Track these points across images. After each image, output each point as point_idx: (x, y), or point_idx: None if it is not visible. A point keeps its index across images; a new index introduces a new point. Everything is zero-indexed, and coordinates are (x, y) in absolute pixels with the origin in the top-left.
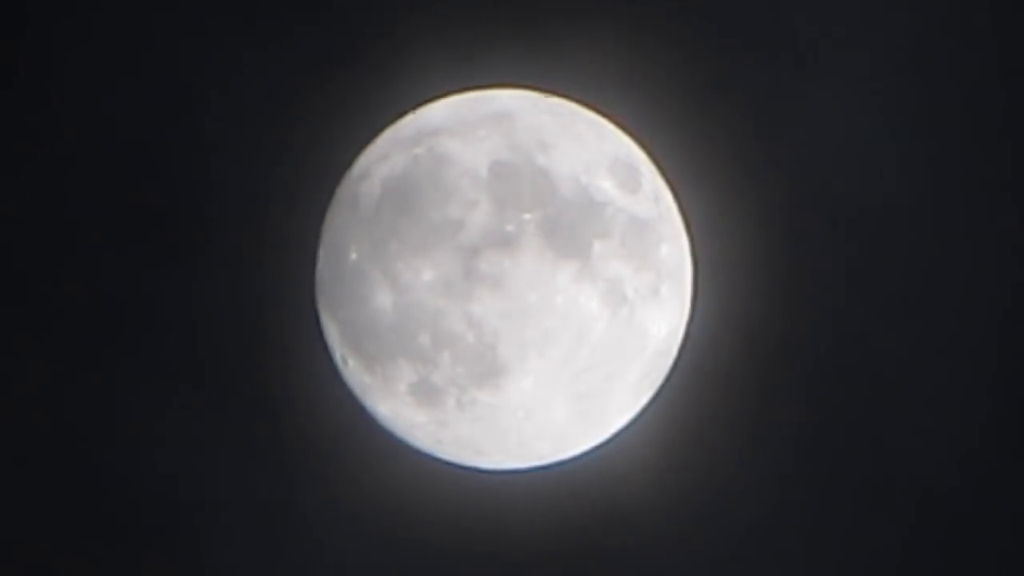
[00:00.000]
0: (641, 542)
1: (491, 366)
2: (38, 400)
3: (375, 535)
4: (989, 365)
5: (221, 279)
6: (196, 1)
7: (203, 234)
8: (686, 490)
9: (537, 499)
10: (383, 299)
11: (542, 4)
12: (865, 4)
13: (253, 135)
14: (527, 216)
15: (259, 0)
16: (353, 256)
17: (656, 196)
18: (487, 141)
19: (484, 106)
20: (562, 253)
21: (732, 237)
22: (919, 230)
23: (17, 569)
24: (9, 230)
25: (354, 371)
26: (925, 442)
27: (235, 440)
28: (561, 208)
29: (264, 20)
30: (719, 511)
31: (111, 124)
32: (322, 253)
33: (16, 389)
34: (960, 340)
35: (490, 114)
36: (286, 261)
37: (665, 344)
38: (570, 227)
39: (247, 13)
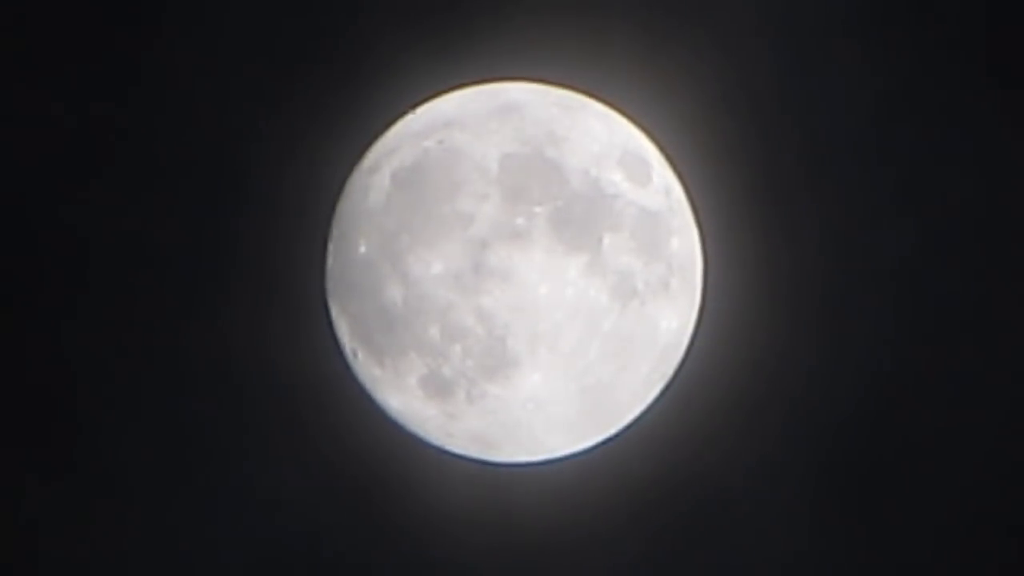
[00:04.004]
0: (651, 535)
1: (501, 359)
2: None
3: (385, 528)
4: None
5: (231, 273)
6: None
7: (212, 228)
8: (695, 483)
9: (547, 492)
10: (393, 292)
11: None
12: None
13: (263, 128)
14: (537, 209)
15: None
16: (363, 249)
17: (666, 189)
18: (497, 134)
19: (494, 99)
20: (572, 246)
21: (742, 230)
22: (932, 223)
23: None
24: (7, 231)
25: (364, 364)
26: (935, 441)
27: (244, 434)
28: (571, 201)
29: (275, 12)
30: (727, 505)
31: (118, 120)
32: (332, 246)
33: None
34: (973, 338)
35: (500, 107)
36: (296, 254)
37: (675, 337)
38: (580, 220)
39: (258, 5)
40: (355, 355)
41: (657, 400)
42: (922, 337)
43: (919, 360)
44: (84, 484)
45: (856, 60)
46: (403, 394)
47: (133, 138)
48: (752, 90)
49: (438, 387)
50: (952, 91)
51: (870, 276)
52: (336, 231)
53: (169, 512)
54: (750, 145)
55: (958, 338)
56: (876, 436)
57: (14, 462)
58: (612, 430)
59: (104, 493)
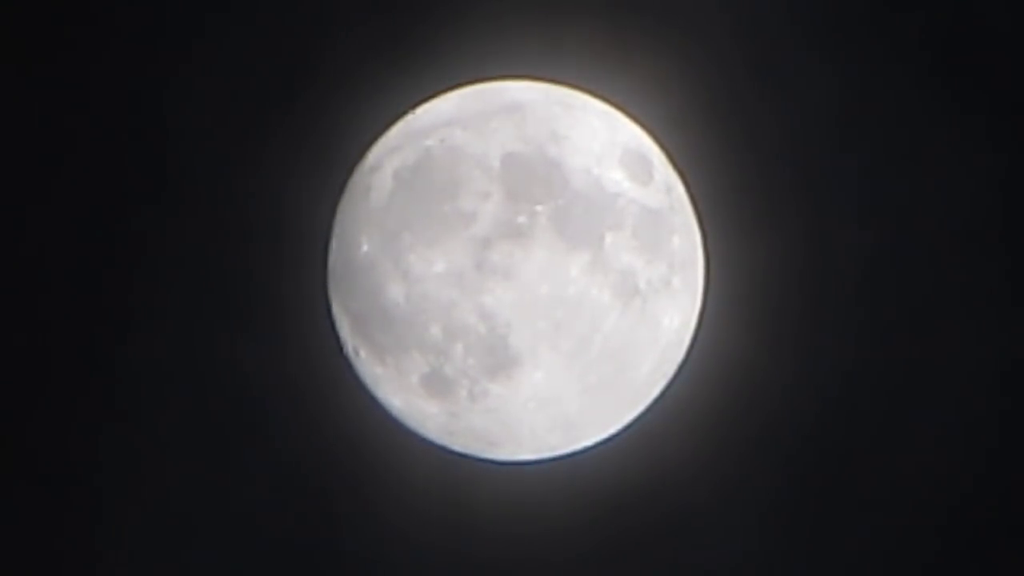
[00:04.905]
0: (652, 534)
1: (503, 358)
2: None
3: (387, 526)
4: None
5: (233, 271)
6: None
7: (215, 226)
8: (697, 482)
9: (548, 491)
10: (395, 291)
11: None
12: None
13: (265, 126)
14: (539, 207)
15: None
16: (365, 248)
17: (668, 187)
18: (499, 133)
19: (496, 98)
20: (574, 244)
21: (744, 228)
22: (935, 221)
23: None
24: (14, 229)
25: (366, 363)
26: (936, 439)
27: (245, 432)
28: (573, 199)
29: (277, 12)
30: (729, 503)
31: (119, 120)
32: (334, 245)
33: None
34: (974, 340)
35: (502, 105)
36: (298, 252)
37: (677, 336)
38: (582, 218)
39: (260, 4)
40: (357, 353)
41: (659, 399)
42: (921, 336)
43: (920, 359)
44: (83, 483)
45: (856, 61)
46: (405, 392)
47: (134, 138)
48: (754, 89)
49: (440, 386)
50: (937, 96)
51: (875, 273)
52: (338, 230)
53: (169, 511)
54: (751, 143)
55: (970, 341)
56: (879, 434)
57: (21, 462)
58: (613, 429)
59: (104, 491)
